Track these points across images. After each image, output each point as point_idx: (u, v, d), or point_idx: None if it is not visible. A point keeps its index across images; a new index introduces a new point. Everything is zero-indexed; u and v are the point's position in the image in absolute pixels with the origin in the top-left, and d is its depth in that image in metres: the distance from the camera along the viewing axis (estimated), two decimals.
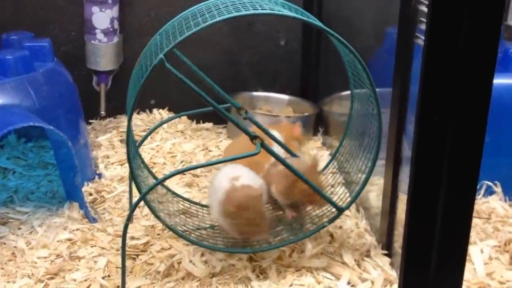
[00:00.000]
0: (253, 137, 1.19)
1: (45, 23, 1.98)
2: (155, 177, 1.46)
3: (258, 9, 1.11)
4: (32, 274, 1.27)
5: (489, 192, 1.55)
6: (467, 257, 1.26)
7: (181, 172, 1.17)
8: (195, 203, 1.46)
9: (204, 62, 2.09)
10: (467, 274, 1.24)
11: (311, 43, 2.06)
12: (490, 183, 1.55)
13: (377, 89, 1.21)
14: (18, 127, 1.36)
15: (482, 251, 1.32)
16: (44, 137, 1.83)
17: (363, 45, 1.60)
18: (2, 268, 1.29)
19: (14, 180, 1.66)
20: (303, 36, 2.07)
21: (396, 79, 1.26)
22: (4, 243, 1.37)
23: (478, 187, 1.54)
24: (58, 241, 1.38)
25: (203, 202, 1.47)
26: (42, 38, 1.70)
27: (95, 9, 1.89)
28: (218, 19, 1.08)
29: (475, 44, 0.89)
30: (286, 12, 1.14)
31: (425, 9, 1.10)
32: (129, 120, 1.15)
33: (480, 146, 0.94)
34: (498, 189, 1.55)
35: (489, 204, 1.51)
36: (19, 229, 1.44)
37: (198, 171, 1.73)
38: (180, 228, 1.29)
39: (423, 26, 1.10)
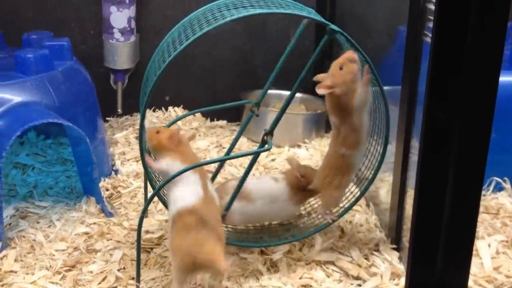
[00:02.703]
0: (265, 133, 1.23)
1: (64, 22, 2.02)
2: None
3: (272, 8, 1.15)
4: (50, 266, 1.31)
5: (498, 188, 1.56)
6: (475, 252, 1.28)
7: (195, 167, 1.19)
8: None
9: (217, 59, 2.12)
10: (475, 268, 1.25)
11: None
12: (499, 180, 1.56)
13: (389, 87, 1.23)
14: (38, 124, 1.40)
15: (489, 246, 1.34)
16: (62, 135, 1.87)
17: (375, 45, 1.62)
18: (22, 260, 1.32)
19: (34, 176, 1.70)
20: (315, 35, 2.08)
21: (405, 77, 1.27)
22: (24, 236, 1.41)
23: (487, 183, 1.56)
24: (75, 235, 1.42)
25: None
26: (61, 37, 1.73)
27: (113, 8, 1.93)
28: (242, 14, 1.12)
29: (482, 42, 0.91)
30: (302, 13, 1.17)
31: (433, 7, 1.12)
32: (143, 112, 1.18)
33: (486, 142, 0.96)
34: (507, 185, 1.56)
35: (498, 200, 1.53)
36: (38, 222, 1.47)
37: (212, 167, 1.76)
38: None
39: (431, 24, 1.12)
